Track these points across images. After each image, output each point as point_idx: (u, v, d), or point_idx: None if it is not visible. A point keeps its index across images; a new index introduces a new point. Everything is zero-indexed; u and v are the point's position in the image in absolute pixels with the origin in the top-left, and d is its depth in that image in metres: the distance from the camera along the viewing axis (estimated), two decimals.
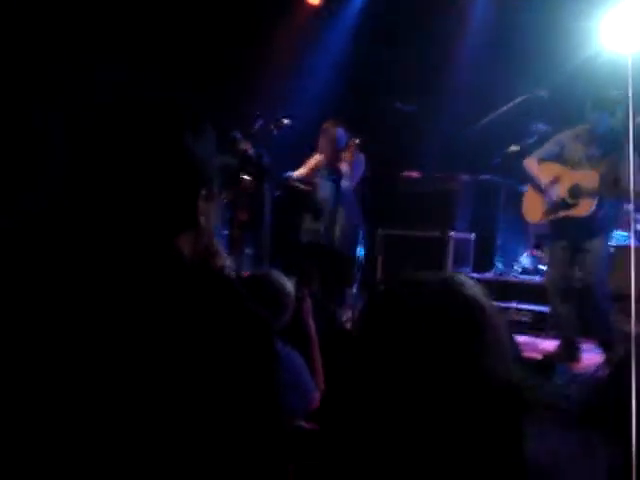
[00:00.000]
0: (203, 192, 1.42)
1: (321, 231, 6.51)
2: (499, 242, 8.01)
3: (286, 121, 6.81)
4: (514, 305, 6.58)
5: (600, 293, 5.36)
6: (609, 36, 5.55)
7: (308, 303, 3.51)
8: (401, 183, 7.85)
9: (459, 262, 7.52)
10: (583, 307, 5.50)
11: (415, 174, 7.88)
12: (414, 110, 6.83)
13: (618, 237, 7.46)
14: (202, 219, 1.42)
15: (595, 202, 5.28)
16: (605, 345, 5.41)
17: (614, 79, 6.77)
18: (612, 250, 7.15)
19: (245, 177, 6.99)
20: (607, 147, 5.34)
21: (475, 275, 7.69)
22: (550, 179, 5.49)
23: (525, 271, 7.71)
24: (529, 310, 6.56)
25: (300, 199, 6.87)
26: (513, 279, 7.49)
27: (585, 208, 5.32)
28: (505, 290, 7.02)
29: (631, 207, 5.37)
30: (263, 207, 7.26)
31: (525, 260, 7.83)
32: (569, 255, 5.51)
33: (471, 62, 8.65)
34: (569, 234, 5.47)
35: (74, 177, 1.36)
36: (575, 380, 4.68)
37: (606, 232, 5.57)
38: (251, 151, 7.05)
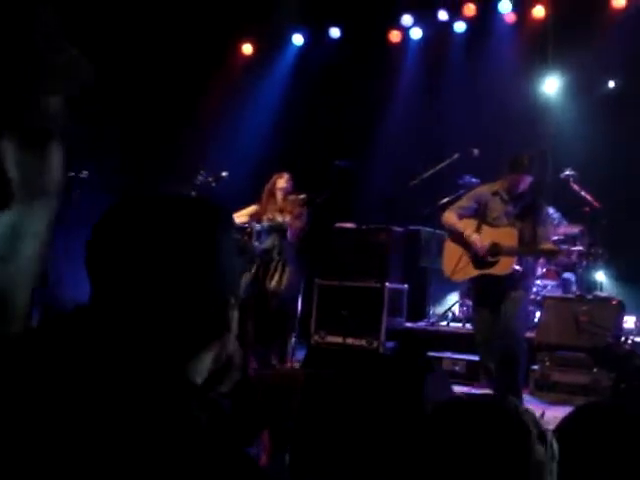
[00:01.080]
0: (232, 301, 1.26)
1: (260, 284, 6.48)
2: (431, 292, 8.17)
3: (224, 174, 6.89)
4: (448, 355, 6.71)
5: (517, 343, 5.31)
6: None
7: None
8: (336, 234, 7.96)
9: (393, 312, 7.63)
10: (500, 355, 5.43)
11: (349, 225, 8.01)
12: (350, 166, 6.96)
13: (548, 286, 7.73)
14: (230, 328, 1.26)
15: (514, 261, 5.29)
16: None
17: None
18: (538, 299, 7.41)
19: None
20: (524, 205, 5.40)
21: (409, 325, 7.84)
22: (472, 232, 5.43)
23: (457, 319, 7.88)
24: (462, 359, 6.67)
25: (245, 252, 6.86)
26: (446, 329, 7.64)
27: (504, 267, 5.31)
28: (438, 340, 7.16)
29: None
30: None
31: (457, 309, 8.00)
32: (492, 318, 5.46)
33: (405, 119, 8.93)
34: (489, 294, 5.44)
35: (102, 284, 1.18)
36: None
37: (526, 286, 5.52)
38: None
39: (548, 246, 5.38)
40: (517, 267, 5.31)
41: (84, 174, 6.86)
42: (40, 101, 1.13)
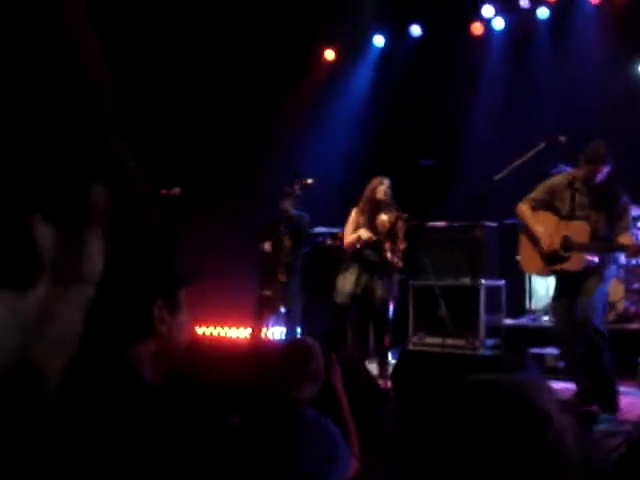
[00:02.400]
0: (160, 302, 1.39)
1: (359, 290, 6.49)
2: (530, 285, 7.96)
3: (310, 181, 6.92)
4: (550, 351, 6.50)
5: (591, 332, 5.13)
6: None
7: (337, 369, 3.50)
8: (428, 234, 7.86)
9: (492, 309, 7.48)
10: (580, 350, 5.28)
11: (440, 223, 7.90)
12: (436, 164, 6.88)
13: None
14: (163, 328, 1.39)
15: (586, 256, 5.17)
16: (594, 389, 5.19)
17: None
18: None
19: (284, 234, 7.06)
20: (600, 196, 5.22)
21: (509, 321, 7.65)
22: (543, 229, 5.35)
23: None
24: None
25: (337, 257, 6.88)
26: (547, 324, 7.41)
27: (576, 263, 5.20)
28: (540, 335, 6.95)
29: None
30: (297, 267, 7.34)
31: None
32: (569, 311, 5.33)
33: (491, 112, 8.75)
34: (567, 287, 5.34)
35: None
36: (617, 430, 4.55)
37: (603, 275, 5.29)
38: (292, 211, 7.17)
39: (624, 240, 5.12)
40: (590, 259, 5.16)
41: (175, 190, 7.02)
42: (85, 188, 1.15)
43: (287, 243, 7.10)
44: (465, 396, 1.48)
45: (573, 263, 5.22)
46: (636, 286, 7.31)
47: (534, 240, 5.43)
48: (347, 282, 6.50)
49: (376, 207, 6.53)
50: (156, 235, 1.44)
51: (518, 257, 5.70)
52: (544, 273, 5.75)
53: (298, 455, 2.85)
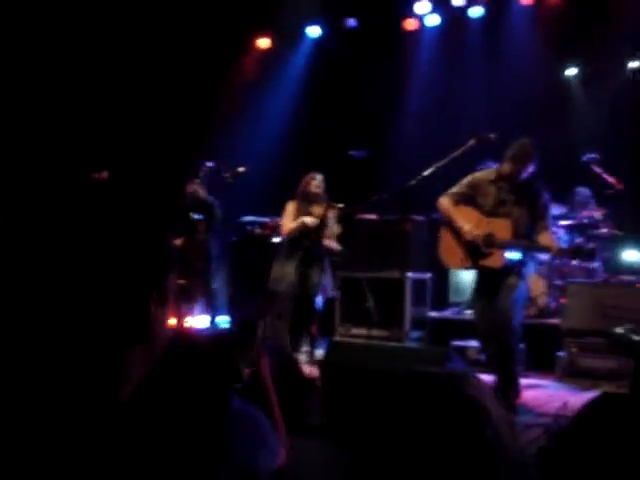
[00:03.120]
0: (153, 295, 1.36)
1: (297, 278, 6.48)
2: (454, 280, 8.09)
3: (241, 169, 6.88)
4: (472, 344, 6.63)
5: (512, 332, 5.25)
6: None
7: (265, 359, 3.50)
8: (357, 226, 7.92)
9: (417, 302, 7.59)
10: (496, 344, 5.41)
11: (370, 216, 7.97)
12: (366, 156, 6.92)
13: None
14: (156, 325, 1.37)
15: (506, 254, 5.18)
16: (503, 385, 5.29)
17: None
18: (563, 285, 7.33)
19: (197, 218, 7.01)
20: (523, 194, 5.26)
21: (433, 314, 7.78)
22: (465, 223, 5.33)
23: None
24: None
25: (265, 246, 6.86)
26: (470, 317, 7.54)
27: (497, 260, 5.21)
28: (463, 328, 7.08)
29: None
30: (211, 254, 7.28)
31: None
32: (489, 307, 5.39)
33: (422, 107, 8.86)
34: (486, 283, 5.38)
35: None
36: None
37: (523, 273, 5.34)
38: (202, 194, 7.12)
39: (545, 241, 5.22)
40: (510, 258, 5.20)
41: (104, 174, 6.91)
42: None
43: (201, 228, 7.05)
44: (400, 388, 1.50)
45: (494, 260, 5.23)
46: (557, 282, 7.53)
47: (455, 234, 5.41)
48: (287, 271, 6.48)
49: (310, 200, 6.56)
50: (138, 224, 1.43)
51: (439, 252, 5.66)
52: (464, 267, 5.73)
53: (224, 443, 2.84)
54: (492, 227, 5.25)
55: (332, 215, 6.43)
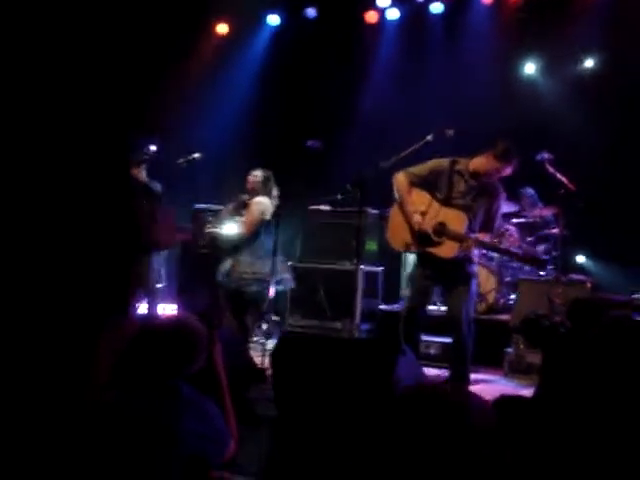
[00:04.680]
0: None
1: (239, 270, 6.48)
2: (405, 274, 8.12)
3: (196, 155, 6.81)
4: (423, 337, 6.64)
5: (465, 328, 5.31)
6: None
7: (218, 347, 3.45)
8: (310, 216, 7.90)
9: (369, 294, 7.60)
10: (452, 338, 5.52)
11: (323, 207, 7.94)
12: (322, 147, 6.90)
13: (523, 269, 7.74)
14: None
15: (457, 246, 5.14)
16: (456, 378, 5.38)
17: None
18: (513, 281, 7.42)
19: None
20: (483, 191, 5.28)
21: (384, 307, 7.80)
22: (417, 208, 5.29)
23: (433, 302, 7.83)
24: (437, 342, 6.64)
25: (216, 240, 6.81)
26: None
27: (447, 250, 5.17)
28: None
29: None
30: None
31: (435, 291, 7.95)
32: (430, 285, 5.46)
33: (380, 100, 8.86)
34: (432, 267, 5.34)
35: None
36: None
37: (471, 272, 5.39)
38: (145, 178, 7.01)
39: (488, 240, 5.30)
40: (461, 252, 5.19)
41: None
42: None
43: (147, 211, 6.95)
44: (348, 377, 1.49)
45: (444, 250, 5.19)
46: (508, 279, 7.61)
47: (405, 215, 5.36)
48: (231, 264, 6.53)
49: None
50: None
51: (387, 231, 5.62)
52: (409, 250, 5.64)
53: (174, 433, 2.79)
54: (445, 216, 5.22)
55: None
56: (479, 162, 5.28)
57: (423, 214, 5.28)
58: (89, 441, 2.57)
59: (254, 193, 6.63)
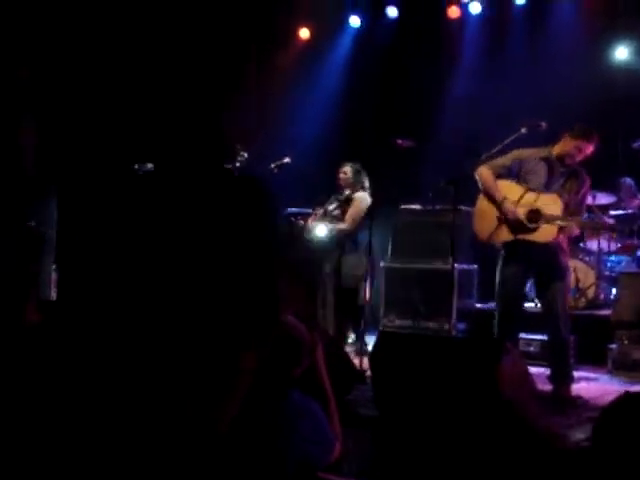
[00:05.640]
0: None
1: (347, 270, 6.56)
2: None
3: (286, 160, 6.87)
4: (521, 335, 6.52)
5: (563, 324, 5.20)
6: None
7: (320, 349, 3.46)
8: (402, 216, 7.84)
9: (464, 293, 7.51)
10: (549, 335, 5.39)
11: (415, 206, 7.89)
12: (413, 145, 6.85)
13: (622, 262, 7.51)
14: None
15: (556, 229, 5.07)
16: (558, 376, 5.26)
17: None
18: (613, 275, 7.21)
19: None
20: (572, 176, 5.21)
21: (480, 306, 7.68)
22: (506, 196, 5.20)
23: (529, 299, 7.66)
24: (536, 340, 6.48)
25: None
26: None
27: (546, 235, 5.08)
28: None
29: None
30: None
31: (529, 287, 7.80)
32: (522, 280, 5.36)
33: (467, 96, 8.75)
34: (524, 257, 5.23)
35: None
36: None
37: (565, 265, 5.28)
38: None
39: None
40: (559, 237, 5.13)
41: (149, 167, 6.89)
42: None
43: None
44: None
45: (542, 235, 5.09)
46: (607, 273, 7.40)
47: (494, 206, 5.28)
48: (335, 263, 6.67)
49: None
50: None
51: (474, 223, 5.54)
52: (502, 241, 5.37)
53: (284, 438, 2.81)
54: (539, 202, 5.12)
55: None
56: (560, 146, 5.24)
57: (516, 203, 5.18)
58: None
59: (348, 188, 6.66)
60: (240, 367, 2.27)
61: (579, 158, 5.20)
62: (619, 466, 2.16)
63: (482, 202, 5.43)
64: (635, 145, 6.80)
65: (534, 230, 5.12)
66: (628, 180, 7.75)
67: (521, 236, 5.17)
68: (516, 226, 5.17)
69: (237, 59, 9.36)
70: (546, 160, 5.25)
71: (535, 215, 5.11)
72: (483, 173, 5.34)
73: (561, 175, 5.22)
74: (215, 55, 9.18)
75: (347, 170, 6.75)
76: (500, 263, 5.44)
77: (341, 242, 6.69)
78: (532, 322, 6.33)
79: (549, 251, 5.16)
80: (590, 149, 5.16)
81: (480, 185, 5.38)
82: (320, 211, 6.87)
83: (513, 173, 5.30)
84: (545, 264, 5.21)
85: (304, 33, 10.19)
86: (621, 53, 8.40)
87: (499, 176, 5.32)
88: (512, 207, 5.16)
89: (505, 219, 5.22)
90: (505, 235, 5.26)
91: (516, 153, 5.35)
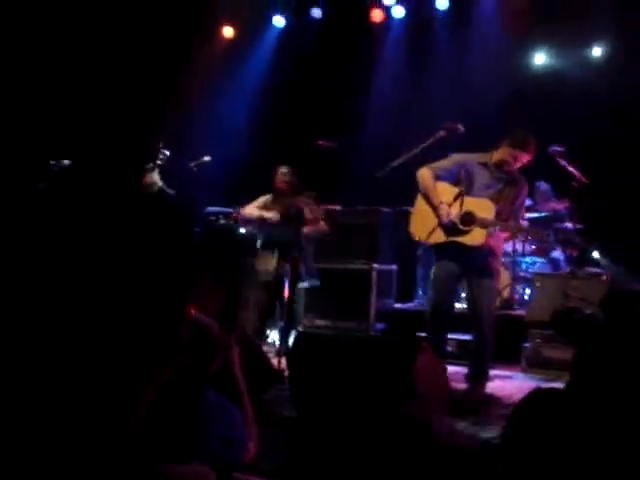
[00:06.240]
0: None
1: (275, 269, 6.47)
2: (420, 272, 8.09)
3: (206, 158, 6.81)
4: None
5: (488, 325, 5.28)
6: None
7: (236, 350, 3.43)
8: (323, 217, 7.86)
9: (383, 293, 7.57)
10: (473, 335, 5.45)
11: (335, 207, 7.91)
12: (336, 146, 6.87)
13: (537, 263, 7.71)
14: None
15: (486, 233, 5.13)
16: (475, 375, 5.33)
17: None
18: (528, 276, 7.39)
19: None
20: (509, 183, 5.28)
21: (398, 306, 7.77)
22: (443, 199, 5.23)
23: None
24: (453, 339, 6.58)
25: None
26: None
27: (476, 238, 5.14)
28: None
29: None
30: None
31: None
32: (453, 280, 5.37)
33: (389, 98, 8.84)
34: (456, 259, 5.27)
35: None
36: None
37: (495, 268, 5.35)
38: (160, 185, 6.98)
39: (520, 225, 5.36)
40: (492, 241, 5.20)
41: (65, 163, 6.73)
42: None
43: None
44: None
45: (472, 237, 5.16)
46: (521, 274, 7.58)
47: (431, 207, 5.31)
48: (268, 263, 6.52)
49: (280, 194, 6.59)
50: None
51: (411, 223, 5.51)
52: (436, 242, 5.37)
53: (197, 437, 2.78)
54: (473, 206, 5.19)
55: (309, 204, 6.46)
56: (499, 153, 5.29)
57: (449, 205, 5.24)
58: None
59: (286, 191, 6.58)
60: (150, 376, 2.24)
61: (516, 166, 5.28)
62: (528, 462, 2.19)
63: (420, 203, 5.45)
64: (550, 150, 6.96)
65: (466, 233, 5.19)
66: (544, 185, 7.96)
67: (453, 238, 5.24)
68: (449, 228, 5.24)
69: (161, 56, 9.23)
70: (485, 166, 5.32)
71: (469, 218, 5.17)
72: (423, 174, 5.37)
73: (499, 181, 5.28)
74: (138, 52, 9.04)
75: (285, 172, 6.67)
76: (434, 263, 5.48)
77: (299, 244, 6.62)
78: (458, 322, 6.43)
79: (480, 254, 5.23)
80: (526, 158, 5.25)
81: (419, 185, 5.41)
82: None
83: (453, 176, 5.35)
84: (474, 266, 5.27)
85: (228, 32, 10.12)
86: (539, 59, 8.66)
87: (439, 178, 5.37)
88: (447, 209, 5.21)
89: (440, 221, 5.27)
90: (438, 236, 5.31)
91: (457, 157, 5.43)
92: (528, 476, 2.13)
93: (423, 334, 6.72)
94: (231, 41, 10.09)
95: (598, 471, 1.89)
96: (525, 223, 7.33)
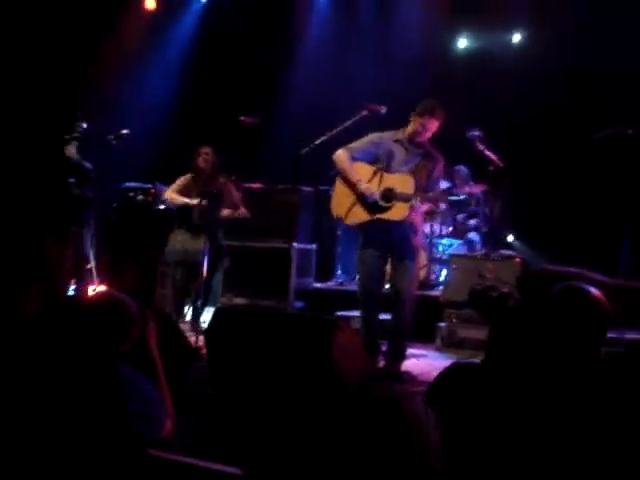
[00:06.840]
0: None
1: (193, 247, 6.41)
2: (339, 251, 8.14)
3: (125, 132, 6.67)
4: (356, 314, 6.67)
5: (408, 301, 5.37)
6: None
7: (152, 326, 3.38)
8: (242, 195, 7.81)
9: (302, 272, 7.59)
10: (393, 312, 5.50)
11: (255, 185, 7.87)
12: (258, 122, 6.81)
13: (454, 245, 7.85)
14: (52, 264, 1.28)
15: (408, 207, 5.22)
16: (392, 353, 5.43)
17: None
18: (445, 257, 7.53)
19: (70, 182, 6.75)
20: (423, 155, 5.37)
21: (317, 285, 7.80)
22: (362, 178, 5.29)
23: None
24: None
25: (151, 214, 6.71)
26: (354, 288, 7.60)
27: (398, 212, 5.22)
28: (347, 299, 7.13)
29: None
30: (86, 218, 6.99)
31: None
32: (380, 261, 5.43)
33: (312, 75, 8.81)
34: (380, 238, 5.34)
35: None
36: None
37: (415, 249, 5.44)
38: (76, 157, 6.82)
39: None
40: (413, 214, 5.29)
41: None
42: None
43: (76, 192, 6.80)
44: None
45: (394, 213, 5.23)
46: (438, 255, 7.71)
47: (351, 188, 5.35)
48: (178, 240, 6.60)
49: (201, 174, 6.70)
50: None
51: (332, 205, 5.55)
52: (359, 222, 5.44)
53: (112, 412, 2.72)
54: (392, 182, 5.25)
55: (229, 187, 6.62)
56: (410, 125, 5.35)
57: (368, 183, 5.29)
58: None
59: (206, 172, 6.67)
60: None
61: (427, 135, 5.34)
62: (446, 436, 2.23)
63: (339, 184, 5.48)
64: (469, 134, 7.07)
65: (388, 209, 5.25)
66: (462, 168, 8.09)
67: (377, 215, 5.29)
68: (371, 206, 5.29)
69: (81, 28, 8.95)
70: (399, 142, 5.37)
71: (389, 194, 5.23)
72: (340, 156, 5.40)
73: (416, 156, 5.35)
74: (58, 23, 8.75)
75: (207, 152, 6.67)
76: (359, 248, 5.52)
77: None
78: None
79: (403, 230, 5.31)
80: (435, 124, 5.30)
81: (337, 166, 5.43)
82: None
83: (371, 155, 5.40)
84: (398, 243, 5.34)
85: (150, 3, 9.88)
86: (462, 43, 8.81)
87: (354, 158, 5.40)
88: (367, 186, 5.26)
89: (361, 200, 5.31)
90: (362, 215, 5.36)
91: (373, 136, 5.46)
92: (447, 448, 2.17)
93: (340, 312, 6.85)
94: (154, 13, 9.86)
95: (513, 443, 1.95)
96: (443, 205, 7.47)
